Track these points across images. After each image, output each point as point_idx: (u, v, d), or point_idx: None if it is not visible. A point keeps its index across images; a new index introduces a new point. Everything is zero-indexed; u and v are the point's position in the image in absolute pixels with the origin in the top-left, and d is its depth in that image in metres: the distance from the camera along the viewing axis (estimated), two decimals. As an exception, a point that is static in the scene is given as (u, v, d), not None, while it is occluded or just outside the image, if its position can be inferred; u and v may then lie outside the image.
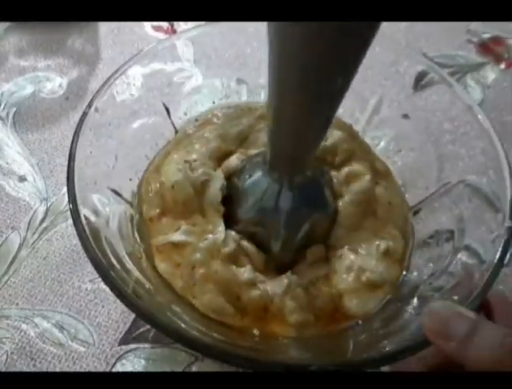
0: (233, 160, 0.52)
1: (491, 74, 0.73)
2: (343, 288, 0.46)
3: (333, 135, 0.53)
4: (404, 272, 0.48)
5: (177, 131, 0.57)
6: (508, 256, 0.41)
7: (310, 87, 0.32)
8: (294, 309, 0.44)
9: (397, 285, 0.48)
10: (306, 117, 0.36)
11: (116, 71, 0.51)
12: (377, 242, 0.48)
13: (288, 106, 0.36)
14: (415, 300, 0.43)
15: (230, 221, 0.48)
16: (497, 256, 0.40)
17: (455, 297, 0.39)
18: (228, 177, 0.50)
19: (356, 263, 0.47)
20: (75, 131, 0.45)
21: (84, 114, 0.47)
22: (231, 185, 0.50)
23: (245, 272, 0.45)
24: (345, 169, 0.52)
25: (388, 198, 0.52)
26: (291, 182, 0.46)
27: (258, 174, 0.47)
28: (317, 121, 0.37)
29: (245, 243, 0.47)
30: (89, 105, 0.47)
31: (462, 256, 0.43)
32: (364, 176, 0.52)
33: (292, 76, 0.32)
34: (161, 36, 0.79)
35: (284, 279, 0.45)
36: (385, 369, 0.43)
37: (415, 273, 0.47)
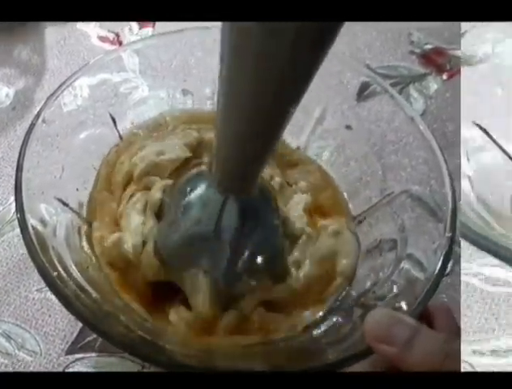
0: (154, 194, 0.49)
1: (433, 84, 0.75)
2: None
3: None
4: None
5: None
6: (449, 266, 0.42)
7: (263, 90, 0.30)
8: None
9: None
10: (257, 122, 0.33)
11: (63, 83, 0.51)
12: None
13: (237, 113, 0.33)
14: (358, 308, 0.44)
15: None
16: (439, 266, 0.41)
17: (398, 306, 0.40)
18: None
19: None
20: (23, 142, 0.46)
21: (32, 125, 0.47)
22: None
23: None
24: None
25: None
26: (236, 198, 0.42)
27: (201, 188, 0.44)
28: (270, 125, 0.34)
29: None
30: (37, 116, 0.47)
31: (405, 265, 0.44)
32: None
33: (245, 80, 0.30)
34: (107, 46, 0.78)
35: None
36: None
37: (358, 282, 0.48)
